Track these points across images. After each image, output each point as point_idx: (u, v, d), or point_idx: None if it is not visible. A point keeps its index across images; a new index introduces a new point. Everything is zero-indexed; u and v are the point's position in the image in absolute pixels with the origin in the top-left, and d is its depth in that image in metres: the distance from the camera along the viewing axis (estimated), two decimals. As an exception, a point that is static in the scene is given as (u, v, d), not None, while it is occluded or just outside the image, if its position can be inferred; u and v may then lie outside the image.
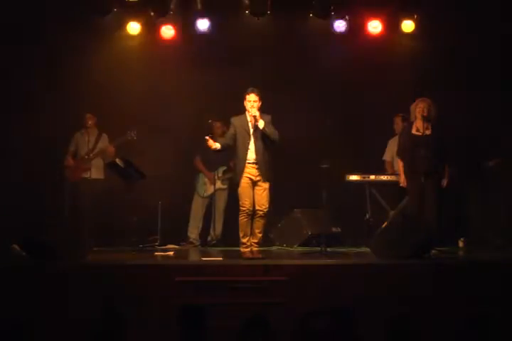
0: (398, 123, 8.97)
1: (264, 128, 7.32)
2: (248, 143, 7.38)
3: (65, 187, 8.94)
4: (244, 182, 7.38)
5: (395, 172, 8.87)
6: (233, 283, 6.60)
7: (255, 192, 7.41)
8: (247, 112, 7.44)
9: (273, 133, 7.37)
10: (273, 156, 7.50)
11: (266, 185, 7.42)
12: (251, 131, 7.40)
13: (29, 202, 8.65)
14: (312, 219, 8.94)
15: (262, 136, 7.38)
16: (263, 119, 7.33)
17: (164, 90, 9.19)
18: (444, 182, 7.91)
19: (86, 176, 8.95)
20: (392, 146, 9.09)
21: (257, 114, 7.32)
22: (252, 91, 7.38)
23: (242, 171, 7.39)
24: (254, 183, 7.40)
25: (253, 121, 7.38)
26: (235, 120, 7.52)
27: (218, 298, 6.44)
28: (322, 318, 4.57)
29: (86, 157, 8.97)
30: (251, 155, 7.39)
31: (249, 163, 7.40)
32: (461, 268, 6.81)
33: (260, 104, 7.38)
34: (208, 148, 8.83)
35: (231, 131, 7.48)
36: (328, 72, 9.20)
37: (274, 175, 7.50)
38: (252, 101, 7.36)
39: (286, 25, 9.13)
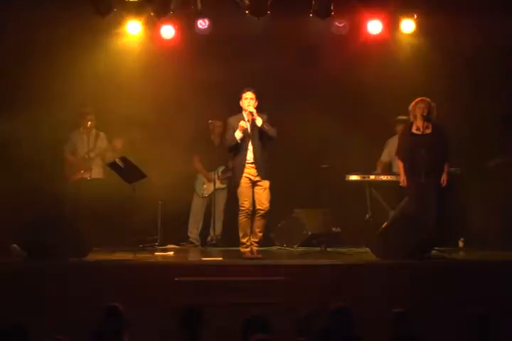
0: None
1: (262, 124, 7.31)
2: (247, 143, 7.38)
3: (65, 187, 8.95)
4: (244, 183, 7.38)
5: (396, 173, 8.90)
6: (233, 283, 6.60)
7: (255, 192, 7.40)
8: (243, 112, 7.44)
9: (271, 129, 7.37)
10: (271, 155, 7.51)
11: (266, 184, 7.41)
12: (249, 130, 7.39)
13: (29, 202, 8.64)
14: (312, 219, 8.94)
15: (259, 134, 7.38)
16: (260, 118, 7.34)
17: (164, 90, 9.18)
18: (444, 179, 7.89)
19: (86, 176, 8.95)
20: (389, 147, 9.11)
21: (254, 110, 7.32)
22: (248, 90, 7.39)
23: (241, 171, 7.39)
24: (253, 183, 7.40)
25: (251, 120, 7.37)
26: (232, 120, 7.51)
27: (218, 298, 6.45)
28: (322, 318, 4.57)
29: (86, 156, 8.97)
30: (250, 155, 7.38)
31: (248, 163, 7.39)
32: (461, 268, 6.82)
33: (257, 103, 7.38)
34: (207, 148, 8.85)
35: (231, 131, 7.46)
36: (328, 72, 9.19)
37: (274, 174, 7.51)
38: (248, 99, 7.36)
39: (286, 25, 9.12)
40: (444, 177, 7.88)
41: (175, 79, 9.18)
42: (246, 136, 7.38)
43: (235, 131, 7.39)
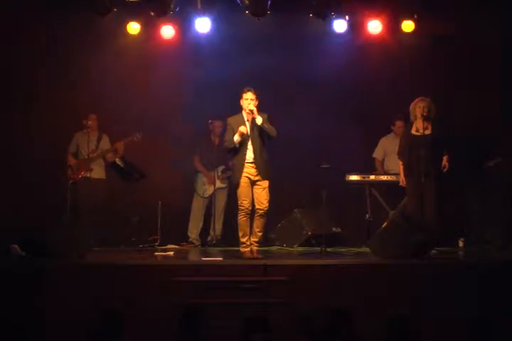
0: (399, 126, 9.01)
1: (262, 123, 7.31)
2: (247, 143, 7.38)
3: (66, 187, 8.94)
4: (243, 182, 7.38)
5: (387, 171, 8.94)
6: (233, 283, 6.60)
7: (255, 191, 7.40)
8: (243, 111, 7.44)
9: (271, 128, 7.37)
10: (270, 155, 7.51)
11: (265, 184, 7.41)
12: (248, 132, 7.38)
13: (29, 202, 8.64)
14: (312, 219, 8.94)
15: (259, 133, 7.37)
16: (260, 117, 7.34)
17: (164, 90, 9.19)
18: (445, 165, 7.88)
19: (87, 176, 8.94)
20: (384, 145, 9.15)
21: (254, 108, 7.31)
22: (249, 90, 7.38)
23: (240, 171, 7.38)
24: (253, 182, 7.40)
25: (250, 119, 7.36)
26: (231, 120, 7.50)
27: (218, 298, 6.44)
28: (322, 318, 4.57)
29: (86, 157, 8.97)
30: (249, 154, 7.38)
31: (247, 163, 7.39)
32: (461, 269, 6.81)
33: (257, 103, 7.38)
34: (207, 148, 8.83)
35: (230, 132, 7.45)
36: (328, 72, 9.19)
37: (274, 174, 7.50)
38: (249, 99, 7.36)
39: (286, 25, 9.13)
40: (444, 163, 7.87)
41: (175, 79, 9.18)
42: (245, 136, 7.37)
43: (234, 132, 7.38)
